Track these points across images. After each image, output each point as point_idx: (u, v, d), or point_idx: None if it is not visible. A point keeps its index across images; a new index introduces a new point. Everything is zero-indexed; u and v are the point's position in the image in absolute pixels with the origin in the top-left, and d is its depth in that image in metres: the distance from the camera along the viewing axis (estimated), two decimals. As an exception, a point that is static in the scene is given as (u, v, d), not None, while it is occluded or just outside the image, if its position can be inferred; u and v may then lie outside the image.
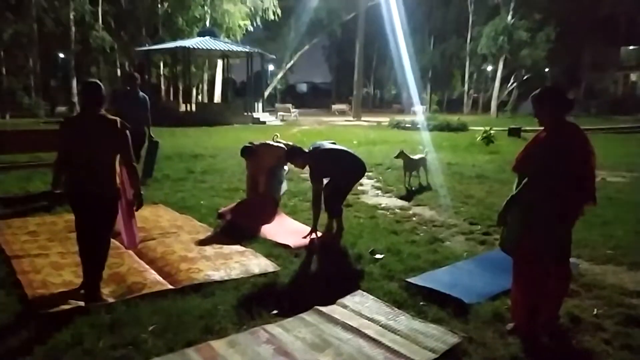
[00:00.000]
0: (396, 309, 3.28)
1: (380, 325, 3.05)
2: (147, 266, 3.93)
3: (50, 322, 2.95)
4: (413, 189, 7.45)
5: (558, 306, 3.02)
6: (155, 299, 3.33)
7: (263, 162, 5.81)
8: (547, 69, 39.66)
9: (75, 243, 3.48)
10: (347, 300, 3.41)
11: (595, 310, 3.29)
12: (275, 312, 3.24)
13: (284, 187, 6.17)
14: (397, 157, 7.68)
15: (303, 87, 61.62)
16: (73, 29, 24.60)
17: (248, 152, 5.93)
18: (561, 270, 2.96)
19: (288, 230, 5.10)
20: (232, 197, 6.51)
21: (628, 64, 42.60)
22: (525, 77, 38.75)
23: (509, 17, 34.76)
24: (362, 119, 28.02)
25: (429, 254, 4.39)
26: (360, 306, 3.32)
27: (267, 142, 6.06)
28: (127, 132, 3.35)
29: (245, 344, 2.81)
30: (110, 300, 3.32)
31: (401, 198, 6.95)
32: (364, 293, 3.52)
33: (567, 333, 2.98)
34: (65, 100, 26.62)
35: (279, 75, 37.68)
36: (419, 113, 26.24)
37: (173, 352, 2.70)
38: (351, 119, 28.49)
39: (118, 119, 3.34)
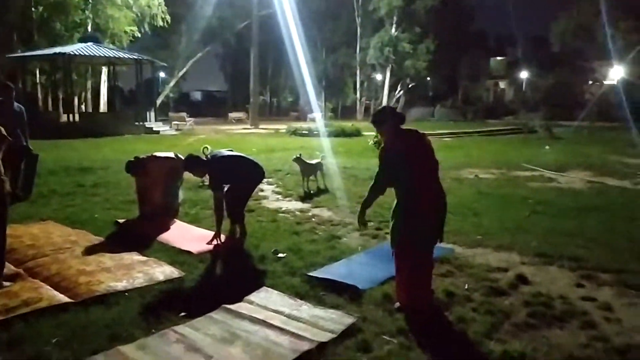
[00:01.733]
0: (299, 300, 3.56)
1: (284, 316, 3.29)
2: (41, 283, 3.79)
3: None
4: (311, 192, 7.83)
5: (429, 284, 3.48)
6: (55, 314, 3.25)
7: (153, 175, 5.76)
8: (428, 78, 43.18)
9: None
10: (253, 296, 3.62)
11: (466, 285, 3.85)
12: (183, 314, 3.34)
13: (181, 196, 6.19)
14: (294, 160, 8.03)
15: (197, 96, 60.24)
16: None
17: (134, 167, 5.81)
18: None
19: (190, 236, 5.16)
20: (130, 209, 6.36)
21: (497, 74, 47.81)
22: (410, 86, 41.82)
23: (393, 30, 37.31)
24: (260, 126, 28.19)
25: (327, 250, 4.74)
26: (265, 301, 3.54)
27: (155, 154, 6.01)
28: None
29: (155, 346, 2.89)
30: (9, 284, 3.50)
31: (301, 201, 7.28)
32: (269, 289, 3.75)
33: (443, 306, 3.47)
34: None
35: (172, 83, 36.58)
36: (317, 120, 27.07)
37: (80, 361, 2.71)
38: (249, 126, 28.53)
39: None
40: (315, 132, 20.68)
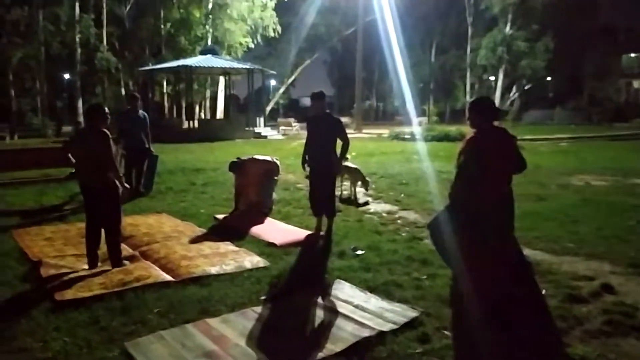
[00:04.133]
0: (369, 293, 3.77)
1: (353, 306, 3.53)
2: (151, 264, 4.44)
3: (70, 307, 3.46)
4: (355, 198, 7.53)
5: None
6: (159, 289, 3.83)
7: (249, 175, 6.41)
8: (548, 78, 40.22)
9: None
10: (327, 287, 3.91)
11: (544, 291, 3.75)
12: (263, 297, 3.73)
13: (274, 195, 6.73)
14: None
15: (306, 101, 62.46)
16: (78, 50, 25.48)
17: (234, 166, 6.62)
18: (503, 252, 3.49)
19: (277, 230, 5.61)
20: (231, 206, 7.01)
21: (630, 72, 43.04)
22: (526, 87, 39.34)
23: (507, 28, 35.44)
24: (363, 131, 28.54)
25: (405, 250, 4.86)
26: (337, 291, 3.81)
27: (254, 156, 6.67)
28: (110, 139, 4.27)
29: (236, 321, 3.30)
30: (127, 263, 4.27)
31: (391, 204, 7.41)
32: (342, 281, 4.01)
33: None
34: (71, 120, 27.44)
35: (281, 90, 38.47)
36: (419, 124, 26.77)
37: (174, 327, 3.19)
38: (352, 131, 29.05)
39: (105, 131, 4.27)
40: (416, 137, 20.50)
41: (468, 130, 3.86)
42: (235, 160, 6.72)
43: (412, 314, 3.33)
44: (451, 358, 2.79)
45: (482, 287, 3.39)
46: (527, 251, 4.79)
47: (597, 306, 3.47)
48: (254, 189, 6.42)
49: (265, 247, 4.99)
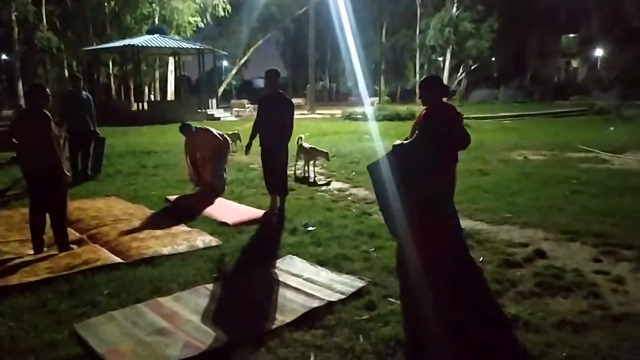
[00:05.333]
0: (319, 267, 3.89)
1: (303, 279, 3.64)
2: (100, 247, 4.38)
3: (15, 292, 3.39)
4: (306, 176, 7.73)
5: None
6: (109, 271, 3.80)
7: (201, 145, 6.37)
8: (493, 58, 41.48)
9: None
10: (278, 262, 4.01)
11: (481, 258, 4.01)
12: (215, 275, 3.78)
13: (226, 177, 6.72)
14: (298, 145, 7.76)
15: (259, 83, 61.65)
16: (16, 29, 24.01)
17: (187, 129, 6.55)
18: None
19: (230, 210, 5.63)
20: (183, 188, 6.97)
21: (569, 52, 45.05)
22: (473, 67, 40.42)
23: (454, 10, 36.15)
24: (317, 111, 28.60)
25: (355, 225, 5.03)
26: (288, 266, 3.92)
27: (208, 128, 6.63)
28: (52, 122, 4.17)
29: (187, 298, 3.35)
30: (75, 247, 4.21)
31: (342, 182, 7.56)
32: (293, 256, 4.12)
33: (453, 274, 3.67)
34: (11, 103, 25.95)
35: (233, 71, 37.82)
36: (371, 104, 27.07)
37: (125, 307, 3.20)
38: (306, 112, 29.04)
39: (46, 113, 4.17)
40: (368, 117, 20.78)
41: (418, 109, 4.07)
42: (188, 123, 6.77)
43: (360, 284, 3.49)
44: (395, 322, 2.96)
45: (424, 248, 3.69)
46: (468, 222, 5.09)
47: (529, 270, 3.75)
48: (206, 163, 6.40)
49: (217, 227, 5.02)
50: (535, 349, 2.65)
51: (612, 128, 14.82)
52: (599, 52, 38.88)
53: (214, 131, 6.67)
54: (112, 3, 26.50)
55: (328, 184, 7.42)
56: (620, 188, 6.45)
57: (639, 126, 15.43)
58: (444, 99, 3.98)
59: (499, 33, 35.87)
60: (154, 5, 26.29)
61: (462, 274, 3.67)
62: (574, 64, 45.76)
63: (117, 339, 2.81)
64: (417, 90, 4.05)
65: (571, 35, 44.98)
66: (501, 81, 41.88)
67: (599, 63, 40.37)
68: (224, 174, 6.66)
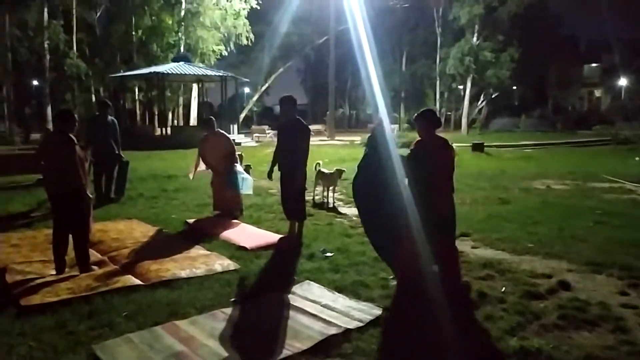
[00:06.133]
0: (337, 293, 3.86)
1: (321, 305, 3.61)
2: (120, 269, 4.43)
3: (36, 313, 3.43)
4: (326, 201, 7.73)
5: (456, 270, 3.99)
6: (127, 293, 3.83)
7: (217, 145, 6.60)
8: (514, 87, 41.42)
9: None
10: (296, 288, 3.99)
11: (503, 288, 3.92)
12: (233, 299, 3.78)
13: (249, 181, 6.75)
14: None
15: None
16: (47, 57, 24.95)
17: (210, 124, 6.74)
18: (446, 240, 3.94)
19: (248, 234, 5.65)
20: (202, 212, 7.04)
21: (591, 81, 44.77)
22: (493, 95, 40.38)
23: (474, 39, 36.37)
24: (336, 138, 28.79)
25: (372, 252, 4.93)
26: (306, 292, 3.89)
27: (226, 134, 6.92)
28: (77, 145, 4.31)
29: (204, 323, 3.34)
30: (96, 268, 4.25)
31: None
32: (311, 282, 4.09)
33: (474, 305, 3.59)
34: (40, 127, 26.77)
35: (255, 98, 38.43)
36: (391, 131, 27.08)
37: (142, 330, 3.21)
38: (325, 138, 29.26)
39: (72, 136, 4.31)
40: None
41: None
42: (210, 117, 7.05)
43: (378, 312, 3.44)
44: (408, 351, 2.90)
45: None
46: (489, 251, 5.02)
47: (553, 302, 3.65)
48: (219, 159, 6.58)
49: (236, 251, 5.03)
50: (559, 385, 2.56)
51: (637, 158, 14.53)
52: (622, 82, 38.46)
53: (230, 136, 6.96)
54: (140, 32, 27.40)
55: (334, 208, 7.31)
56: (646, 219, 6.28)
57: (665, 157, 15.11)
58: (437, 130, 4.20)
59: (519, 62, 35.84)
60: (179, 34, 27.08)
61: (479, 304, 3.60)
62: (597, 93, 45.38)
63: (133, 361, 2.81)
64: (415, 122, 4.20)
65: (593, 64, 44.77)
66: (522, 110, 41.67)
67: (622, 92, 39.94)
68: (247, 180, 6.68)
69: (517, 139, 23.76)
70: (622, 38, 40.11)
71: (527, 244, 5.23)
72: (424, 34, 41.19)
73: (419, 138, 4.14)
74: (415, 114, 4.23)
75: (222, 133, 6.88)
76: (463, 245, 5.25)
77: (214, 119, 6.99)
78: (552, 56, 41.30)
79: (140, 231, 5.85)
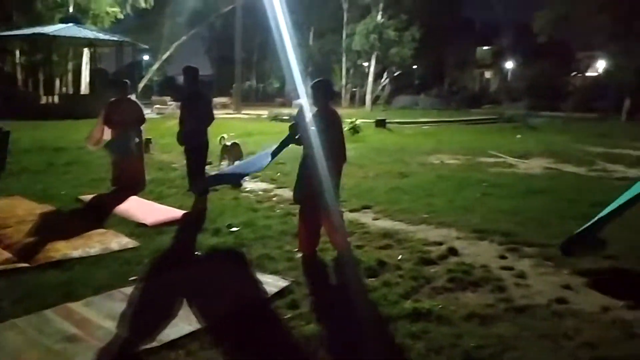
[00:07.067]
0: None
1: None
2: (2, 250, 4.03)
3: None
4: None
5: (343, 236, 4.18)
6: (13, 275, 3.52)
7: (126, 110, 6.39)
8: (415, 66, 43.38)
9: None
10: (200, 263, 3.92)
11: (400, 256, 4.18)
12: (132, 278, 3.62)
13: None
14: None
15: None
16: None
17: (124, 86, 6.63)
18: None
19: (149, 211, 5.42)
20: (98, 187, 6.60)
21: (483, 63, 48.19)
22: (396, 74, 41.98)
23: (379, 17, 37.33)
24: (243, 112, 28.27)
25: (279, 225, 5.04)
26: (209, 267, 3.84)
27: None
28: None
29: (100, 304, 3.18)
30: None
31: (267, 182, 7.54)
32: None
33: (373, 273, 3.79)
34: None
35: (155, 67, 36.34)
36: (298, 105, 27.17)
37: (30, 314, 2.97)
38: (232, 111, 28.60)
39: None
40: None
41: (347, 112, 4.25)
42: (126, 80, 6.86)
43: (283, 283, 3.51)
44: (316, 320, 3.01)
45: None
46: (389, 222, 5.30)
47: (443, 267, 3.96)
48: (125, 126, 6.29)
49: (135, 228, 4.81)
50: (446, 341, 2.81)
51: (519, 136, 16.02)
52: (509, 65, 41.85)
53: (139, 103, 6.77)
54: (20, -14, 24.45)
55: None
56: (525, 191, 6.99)
57: (542, 134, 16.83)
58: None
59: (421, 42, 37.50)
60: (68, -8, 24.62)
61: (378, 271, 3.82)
62: (487, 74, 49.03)
63: (20, 348, 2.61)
64: (311, 92, 4.17)
65: (485, 47, 48.16)
66: (422, 88, 43.92)
67: (509, 75, 43.55)
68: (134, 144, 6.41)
69: (416, 116, 25.02)
70: (512, 23, 43.48)
71: (423, 214, 5.59)
72: (332, 10, 41.37)
73: (317, 110, 4.16)
74: (314, 84, 4.16)
75: (134, 100, 6.60)
76: (365, 217, 5.50)
77: (128, 82, 6.65)
78: (450, 38, 43.75)
79: (24, 209, 5.35)
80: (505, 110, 26.06)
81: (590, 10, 29.31)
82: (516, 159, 10.39)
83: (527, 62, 39.85)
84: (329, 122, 4.05)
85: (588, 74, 39.10)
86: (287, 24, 27.22)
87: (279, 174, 8.14)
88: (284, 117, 21.59)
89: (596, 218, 3.76)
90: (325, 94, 4.17)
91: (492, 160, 10.37)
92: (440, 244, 4.56)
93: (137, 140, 6.38)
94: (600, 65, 34.45)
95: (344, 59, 40.98)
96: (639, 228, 4.77)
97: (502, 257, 4.23)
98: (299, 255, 4.11)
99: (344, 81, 42.40)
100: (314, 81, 4.18)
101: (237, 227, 4.89)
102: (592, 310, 3.23)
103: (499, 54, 44.37)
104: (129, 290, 3.40)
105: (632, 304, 3.29)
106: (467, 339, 2.82)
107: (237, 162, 6.71)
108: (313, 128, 3.98)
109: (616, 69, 30.61)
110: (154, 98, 29.39)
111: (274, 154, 4.56)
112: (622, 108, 28.55)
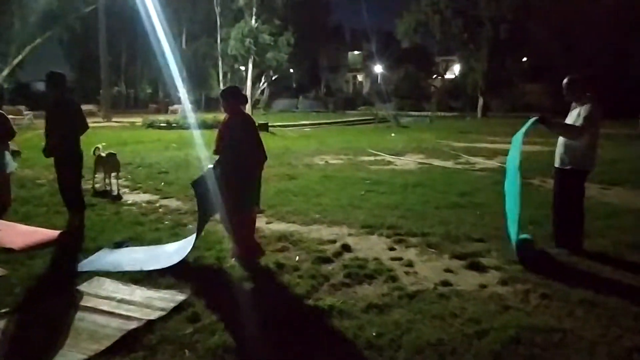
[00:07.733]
0: (133, 285, 3.62)
1: (116, 301, 3.34)
2: None
3: None
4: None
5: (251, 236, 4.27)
6: None
7: None
8: (291, 70, 44.19)
9: None
10: (84, 286, 3.60)
11: (297, 257, 4.25)
12: (4, 310, 3.20)
13: (12, 165, 5.63)
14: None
15: (40, 86, 53.96)
16: None
17: None
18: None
19: (16, 234, 4.83)
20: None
21: (355, 67, 50.80)
22: (274, 77, 42.37)
23: (253, 21, 37.37)
24: (114, 119, 26.41)
25: (170, 237, 4.81)
26: (96, 289, 3.55)
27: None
28: None
29: (-34, 345, 2.76)
30: None
31: (150, 193, 7.13)
32: (101, 278, 3.74)
33: (274, 276, 3.81)
34: None
35: (5, 72, 32.33)
36: (179, 112, 26.19)
37: None
38: (101, 120, 26.53)
39: None
40: (174, 125, 20.09)
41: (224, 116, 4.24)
42: None
43: (181, 297, 3.37)
44: (221, 331, 2.94)
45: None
46: (282, 225, 5.35)
47: (339, 264, 4.12)
48: None
49: (1, 254, 4.25)
50: (349, 333, 2.93)
51: (393, 134, 17.19)
52: (378, 69, 44.60)
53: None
54: None
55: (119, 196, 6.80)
56: (403, 186, 7.52)
57: (413, 132, 18.25)
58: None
59: (296, 47, 38.32)
60: None
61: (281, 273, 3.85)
62: (360, 77, 51.80)
63: None
64: (221, 99, 4.26)
65: (356, 52, 50.81)
66: (300, 92, 44.96)
67: (379, 78, 46.43)
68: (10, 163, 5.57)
69: (297, 119, 25.55)
70: (379, 29, 46.45)
71: (314, 214, 5.74)
72: (204, 12, 40.48)
73: (228, 116, 4.23)
74: (222, 91, 4.35)
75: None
76: (259, 222, 5.45)
77: None
78: (323, 43, 45.37)
79: None
80: (378, 111, 27.70)
81: (444, 17, 32.51)
82: (393, 157, 11.13)
83: (393, 66, 42.90)
84: (243, 128, 4.20)
85: (447, 76, 43.31)
86: (156, 26, 26.17)
87: (163, 183, 7.78)
88: (162, 124, 20.64)
89: (515, 216, 4.08)
90: (237, 100, 4.26)
91: (371, 158, 10.98)
92: (334, 241, 4.72)
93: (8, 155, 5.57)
94: (456, 68, 38.36)
95: (220, 63, 40.33)
96: (500, 213, 5.41)
97: (391, 249, 4.52)
98: (232, 260, 4.12)
99: (221, 85, 41.70)
100: (223, 89, 4.38)
101: (128, 243, 4.57)
102: (472, 289, 3.59)
103: (368, 58, 47.10)
104: (1, 323, 3.00)
105: (504, 279, 3.74)
106: (369, 329, 2.97)
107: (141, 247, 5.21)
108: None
109: (468, 71, 34.36)
110: (5, 107, 26.10)
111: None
112: (477, 107, 32.11)
